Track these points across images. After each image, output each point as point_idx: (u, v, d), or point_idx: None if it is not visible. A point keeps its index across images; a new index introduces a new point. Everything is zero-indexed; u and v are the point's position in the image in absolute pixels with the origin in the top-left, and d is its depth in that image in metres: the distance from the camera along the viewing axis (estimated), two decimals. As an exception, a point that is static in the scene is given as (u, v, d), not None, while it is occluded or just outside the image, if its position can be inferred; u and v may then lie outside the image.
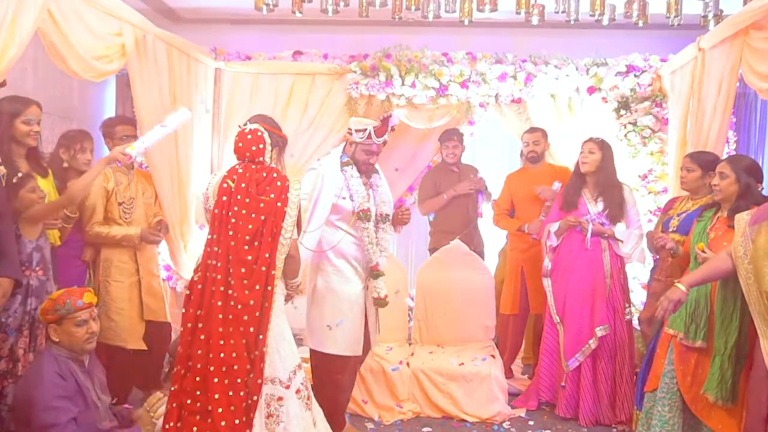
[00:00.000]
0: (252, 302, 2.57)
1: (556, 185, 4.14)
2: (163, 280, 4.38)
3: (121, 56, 3.62)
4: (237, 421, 2.50)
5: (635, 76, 4.74)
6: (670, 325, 3.04)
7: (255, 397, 2.53)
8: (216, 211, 2.71)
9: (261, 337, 2.56)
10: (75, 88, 5.10)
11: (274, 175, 2.70)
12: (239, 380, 2.52)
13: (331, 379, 3.24)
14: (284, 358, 2.65)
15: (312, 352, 3.26)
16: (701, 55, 3.97)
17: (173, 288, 4.73)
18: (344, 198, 3.20)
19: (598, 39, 5.04)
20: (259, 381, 2.53)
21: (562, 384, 3.75)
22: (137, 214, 3.68)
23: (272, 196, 2.64)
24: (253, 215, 2.63)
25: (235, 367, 2.53)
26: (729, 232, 2.85)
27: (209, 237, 2.70)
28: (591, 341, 3.70)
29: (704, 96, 3.89)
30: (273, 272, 2.60)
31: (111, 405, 2.75)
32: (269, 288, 2.59)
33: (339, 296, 3.21)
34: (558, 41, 5.01)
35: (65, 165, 3.39)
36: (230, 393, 2.51)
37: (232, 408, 2.51)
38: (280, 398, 2.61)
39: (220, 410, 2.50)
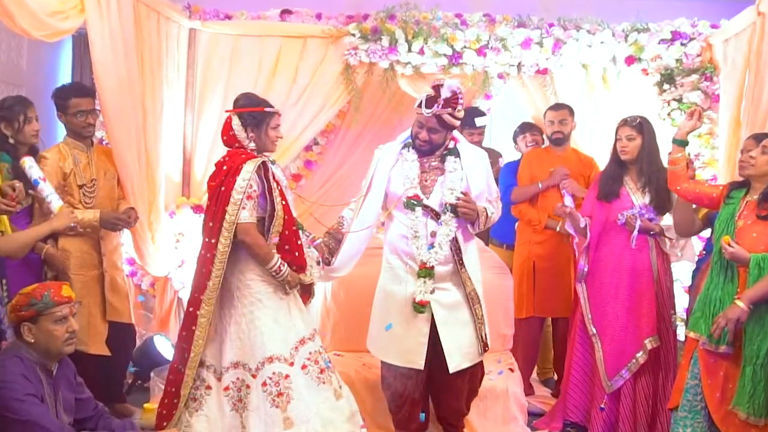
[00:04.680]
0: (192, 284, 3.10)
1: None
2: (127, 276, 4.36)
3: (80, 12, 3.58)
4: (165, 401, 3.11)
5: (681, 44, 4.70)
6: (691, 326, 3.04)
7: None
8: None
9: (190, 310, 3.06)
10: (24, 50, 5.06)
11: (226, 158, 3.09)
12: (176, 366, 3.09)
13: (385, 388, 3.41)
14: (253, 345, 3.04)
15: None
16: (761, 20, 3.94)
17: (138, 285, 4.71)
18: (391, 181, 3.32)
19: (638, 1, 4.99)
20: (188, 355, 3.04)
21: (602, 406, 3.72)
22: (100, 197, 3.67)
23: (216, 181, 3.03)
24: (207, 202, 3.12)
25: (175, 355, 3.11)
26: (759, 223, 2.84)
27: None
28: (639, 354, 3.66)
29: (763, 68, 3.86)
30: (209, 255, 3.01)
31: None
32: (203, 270, 3.03)
33: (388, 297, 3.38)
34: (592, 2, 4.96)
35: (11, 141, 3.36)
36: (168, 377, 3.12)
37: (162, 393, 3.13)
38: (287, 376, 3.03)
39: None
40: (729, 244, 2.85)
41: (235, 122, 3.11)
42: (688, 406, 2.99)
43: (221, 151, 4.74)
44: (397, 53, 4.73)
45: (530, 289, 4.40)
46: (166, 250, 4.52)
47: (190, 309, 3.08)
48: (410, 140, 3.36)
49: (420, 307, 3.23)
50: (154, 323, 4.68)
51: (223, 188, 2.99)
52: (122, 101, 3.91)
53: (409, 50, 4.72)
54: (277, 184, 3.11)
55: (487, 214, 3.32)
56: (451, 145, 3.37)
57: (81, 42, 5.40)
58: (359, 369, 3.95)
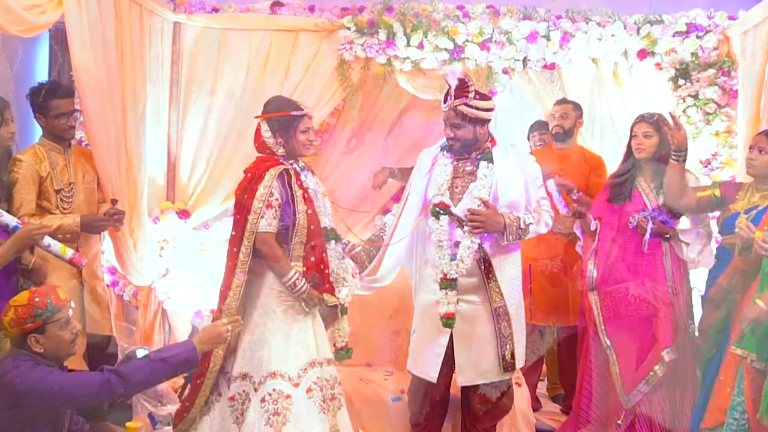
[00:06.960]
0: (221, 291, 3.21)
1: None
2: (108, 285, 4.36)
3: (57, 5, 3.58)
4: (186, 403, 3.26)
5: (697, 37, 4.71)
6: (738, 343, 3.02)
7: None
8: None
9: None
10: (-4, 46, 5.07)
11: (253, 166, 3.19)
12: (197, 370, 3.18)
13: (411, 394, 3.54)
14: (260, 358, 3.10)
15: None
16: (781, 11, 3.95)
17: (119, 296, 4.70)
18: (428, 186, 3.40)
19: (652, -10, 5.01)
20: (208, 365, 3.15)
21: (618, 422, 3.72)
22: (78, 202, 3.67)
23: (241, 189, 3.15)
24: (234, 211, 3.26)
25: None
26: None
27: None
28: (657, 367, 3.66)
29: (784, 62, 3.88)
30: (230, 264, 3.13)
31: None
32: (225, 280, 3.15)
33: (416, 305, 3.48)
34: (602, -7, 4.98)
35: (-17, 143, 3.37)
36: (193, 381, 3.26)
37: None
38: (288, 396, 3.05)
39: None
40: (763, 240, 2.83)
41: (264, 128, 3.21)
42: (735, 425, 3.00)
43: (208, 152, 4.80)
44: (395, 48, 4.72)
45: (526, 294, 4.40)
46: (149, 258, 4.52)
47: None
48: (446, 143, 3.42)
49: (447, 320, 3.27)
50: (137, 336, 4.67)
51: (245, 196, 3.11)
52: (102, 100, 3.91)
53: (408, 44, 4.72)
54: (305, 191, 3.16)
55: (519, 224, 3.32)
56: (489, 147, 3.40)
57: (58, 37, 5.39)
58: (356, 384, 3.95)
